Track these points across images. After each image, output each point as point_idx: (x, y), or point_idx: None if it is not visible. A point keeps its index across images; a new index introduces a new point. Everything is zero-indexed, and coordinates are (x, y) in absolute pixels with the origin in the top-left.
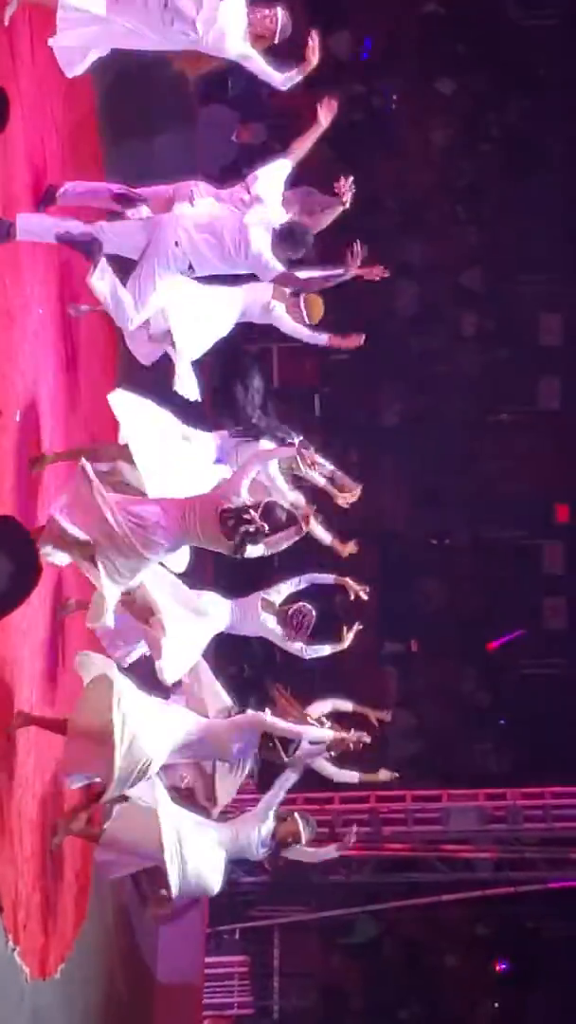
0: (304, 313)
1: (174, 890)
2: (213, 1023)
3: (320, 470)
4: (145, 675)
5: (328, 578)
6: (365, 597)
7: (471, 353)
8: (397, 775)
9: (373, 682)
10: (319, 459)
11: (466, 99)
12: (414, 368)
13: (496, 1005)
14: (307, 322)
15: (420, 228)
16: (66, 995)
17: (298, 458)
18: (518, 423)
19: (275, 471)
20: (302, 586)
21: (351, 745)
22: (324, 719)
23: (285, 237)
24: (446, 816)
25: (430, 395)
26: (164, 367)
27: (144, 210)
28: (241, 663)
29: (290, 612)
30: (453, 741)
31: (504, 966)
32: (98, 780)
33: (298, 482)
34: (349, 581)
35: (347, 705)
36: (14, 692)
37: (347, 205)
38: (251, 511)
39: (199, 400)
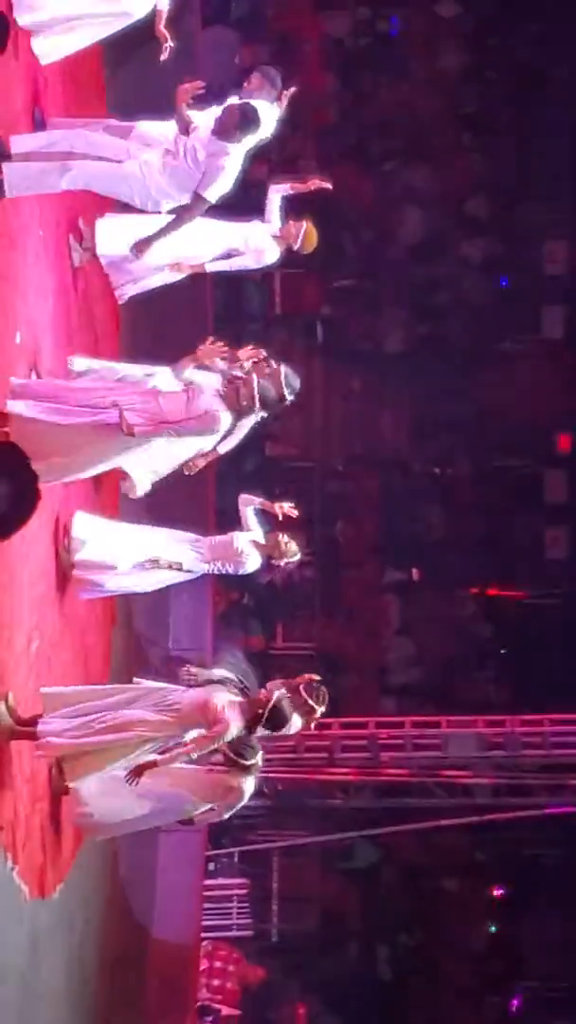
0: (300, 241)
1: None
2: (212, 945)
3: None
4: None
5: (255, 500)
6: (294, 514)
7: (475, 281)
8: None
9: (374, 609)
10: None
11: (472, 25)
12: (417, 295)
13: (493, 929)
14: (299, 249)
15: (425, 155)
16: (64, 915)
17: None
18: (521, 352)
19: None
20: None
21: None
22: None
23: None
24: (445, 742)
25: (433, 323)
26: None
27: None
28: (242, 590)
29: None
30: (453, 669)
31: (502, 891)
32: None
33: None
34: (276, 505)
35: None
36: (14, 617)
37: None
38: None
39: None
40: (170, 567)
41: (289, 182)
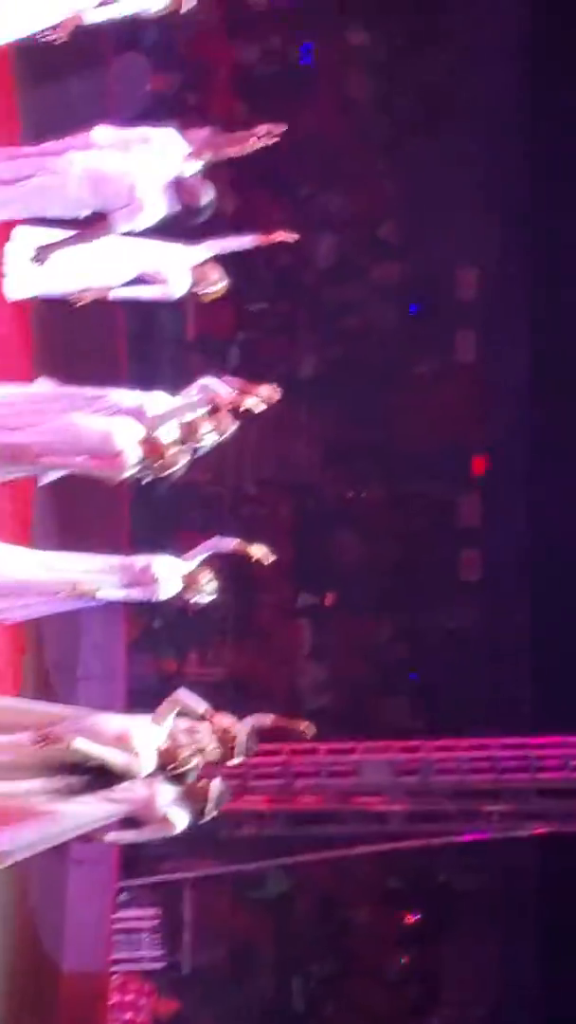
0: (206, 288)
1: None
2: (123, 978)
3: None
4: None
5: (230, 543)
6: (268, 561)
7: (387, 305)
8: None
9: (287, 634)
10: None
11: (383, 53)
12: (331, 320)
13: (403, 960)
14: (201, 295)
15: (337, 180)
16: None
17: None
18: (434, 376)
19: None
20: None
21: None
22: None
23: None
24: (359, 769)
25: (346, 347)
26: None
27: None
28: (154, 615)
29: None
30: (367, 694)
31: (416, 918)
32: None
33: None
34: (251, 549)
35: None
36: None
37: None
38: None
39: None
40: (84, 593)
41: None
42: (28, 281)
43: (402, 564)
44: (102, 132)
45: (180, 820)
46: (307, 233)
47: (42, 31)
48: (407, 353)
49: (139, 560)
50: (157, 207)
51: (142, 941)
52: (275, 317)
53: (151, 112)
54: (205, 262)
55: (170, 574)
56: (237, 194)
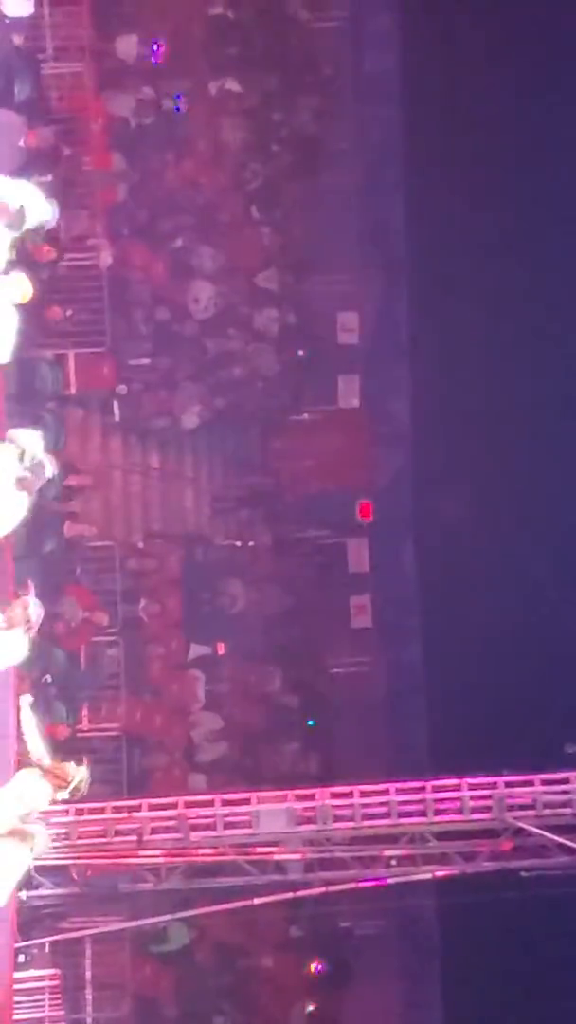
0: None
1: None
2: None
3: None
4: None
5: None
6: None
7: (269, 353)
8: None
9: (180, 686)
10: None
11: (255, 100)
12: (212, 369)
13: (310, 1008)
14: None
15: (214, 230)
16: None
17: None
18: (318, 421)
19: None
20: None
21: None
22: None
23: None
24: (256, 819)
25: (229, 396)
26: None
27: None
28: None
29: None
30: (261, 742)
31: (319, 966)
32: None
33: None
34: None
35: None
36: None
37: None
38: None
39: None
40: None
41: None
42: None
43: (293, 611)
44: None
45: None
46: (185, 284)
47: None
48: (291, 400)
49: None
50: None
51: (43, 1002)
52: (156, 369)
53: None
54: None
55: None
56: (113, 246)
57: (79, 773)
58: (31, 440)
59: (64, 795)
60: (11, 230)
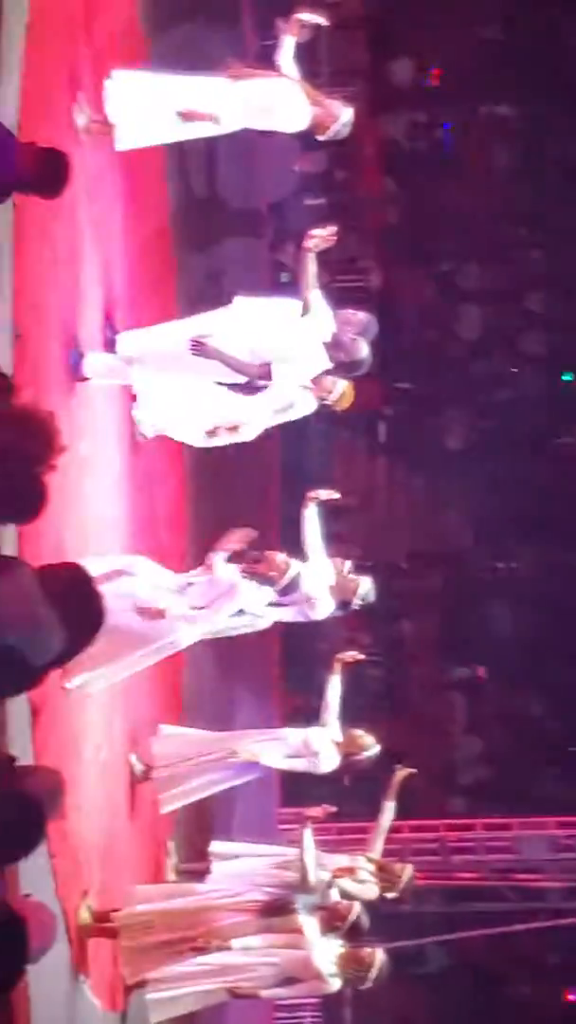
0: (334, 397)
1: None
2: None
3: None
4: None
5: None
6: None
7: (536, 377)
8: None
9: (439, 709)
10: None
11: (526, 124)
12: (478, 392)
13: None
14: (333, 405)
15: (483, 252)
16: None
17: None
18: None
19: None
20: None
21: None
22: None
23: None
24: (517, 845)
25: (495, 418)
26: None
27: None
28: (308, 692)
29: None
30: (522, 767)
31: (574, 995)
32: None
33: None
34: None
35: None
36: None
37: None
38: None
39: None
40: (247, 759)
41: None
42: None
43: (555, 635)
44: (242, 303)
45: (336, 982)
46: (453, 306)
47: None
48: (558, 423)
49: (295, 734)
50: (317, 363)
51: (304, 1017)
52: (422, 391)
53: (300, 191)
54: (321, 376)
55: (326, 745)
56: (382, 270)
57: (406, 873)
58: None
59: (393, 894)
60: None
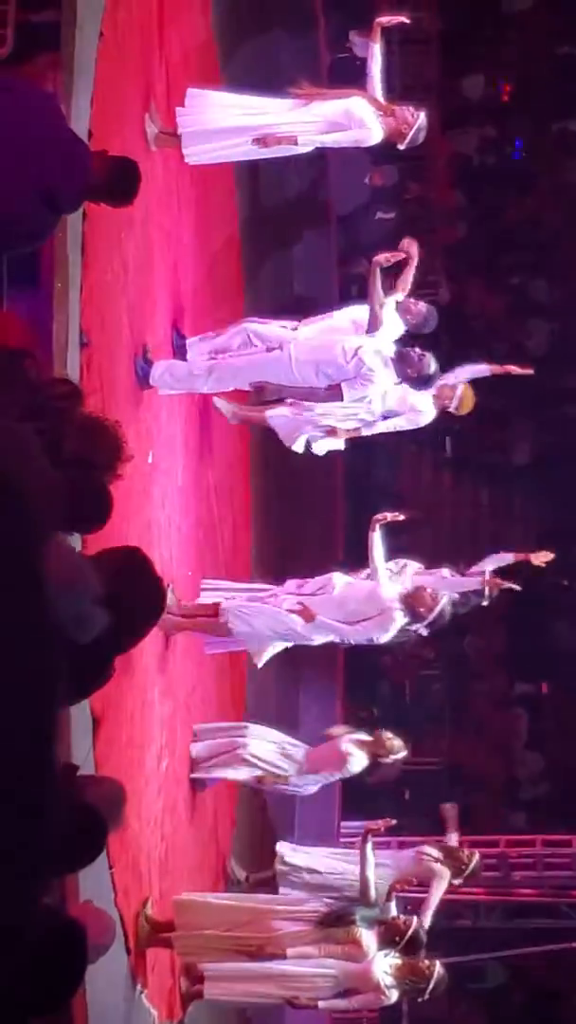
0: (456, 403)
1: None
2: None
3: None
4: None
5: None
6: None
7: None
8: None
9: (503, 723)
10: None
11: None
12: (546, 407)
13: None
14: (455, 411)
15: (551, 267)
16: None
17: None
18: None
19: None
20: None
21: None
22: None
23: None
24: None
25: (561, 434)
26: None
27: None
28: (371, 704)
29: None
30: None
31: None
32: None
33: None
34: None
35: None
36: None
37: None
38: None
39: None
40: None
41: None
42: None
43: None
44: (306, 329)
45: (394, 994)
46: (522, 320)
47: None
48: None
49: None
50: (382, 376)
51: None
52: (489, 405)
53: (371, 204)
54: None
55: (352, 747)
56: (452, 283)
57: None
58: None
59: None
60: None
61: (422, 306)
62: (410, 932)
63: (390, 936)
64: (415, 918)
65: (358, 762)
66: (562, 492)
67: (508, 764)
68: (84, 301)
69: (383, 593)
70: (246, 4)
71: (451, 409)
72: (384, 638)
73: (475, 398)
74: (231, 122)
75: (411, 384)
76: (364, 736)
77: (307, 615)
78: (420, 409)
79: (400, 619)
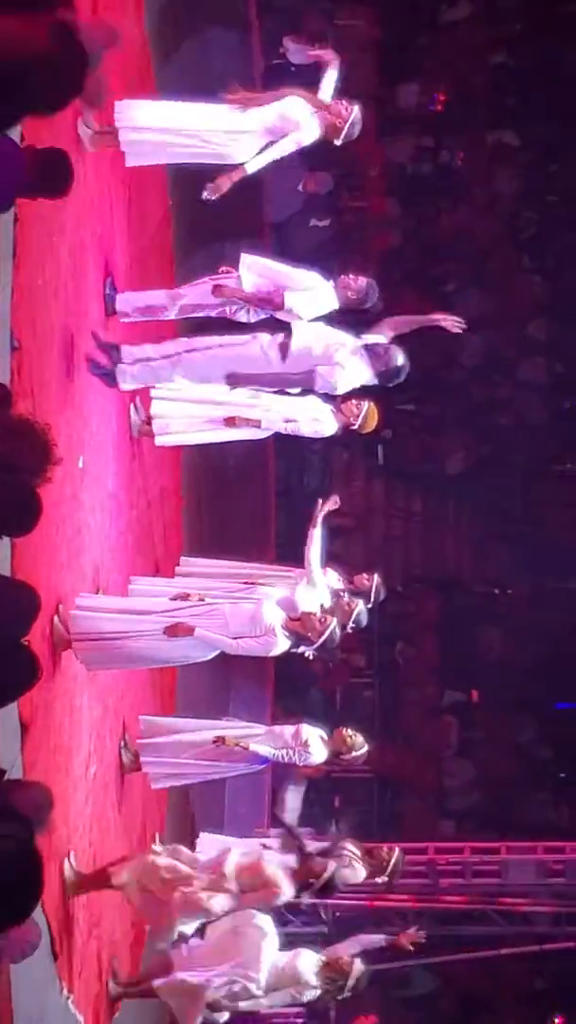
0: (360, 420)
1: None
2: None
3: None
4: None
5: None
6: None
7: (536, 403)
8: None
9: (433, 731)
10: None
11: (531, 151)
12: (478, 416)
13: None
14: (358, 429)
15: (485, 278)
16: None
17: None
18: None
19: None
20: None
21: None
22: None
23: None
24: (504, 869)
25: (494, 444)
26: None
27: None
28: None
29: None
30: (512, 792)
31: (562, 1020)
32: None
33: None
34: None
35: None
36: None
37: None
38: None
39: None
40: (236, 746)
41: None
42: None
43: (548, 661)
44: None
45: (312, 992)
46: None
47: None
48: (555, 449)
49: (287, 729)
50: (357, 372)
51: None
52: (422, 414)
53: (305, 212)
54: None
55: (314, 739)
56: (384, 292)
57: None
58: None
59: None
60: None
61: (362, 281)
62: (325, 875)
63: (305, 878)
64: (331, 863)
65: (318, 754)
66: (494, 502)
67: (438, 772)
68: (15, 305)
69: (265, 618)
70: (180, 7)
71: (354, 427)
72: (272, 654)
73: (378, 416)
74: (169, 126)
75: (381, 380)
76: (325, 731)
77: (184, 630)
78: (320, 419)
79: (284, 643)
